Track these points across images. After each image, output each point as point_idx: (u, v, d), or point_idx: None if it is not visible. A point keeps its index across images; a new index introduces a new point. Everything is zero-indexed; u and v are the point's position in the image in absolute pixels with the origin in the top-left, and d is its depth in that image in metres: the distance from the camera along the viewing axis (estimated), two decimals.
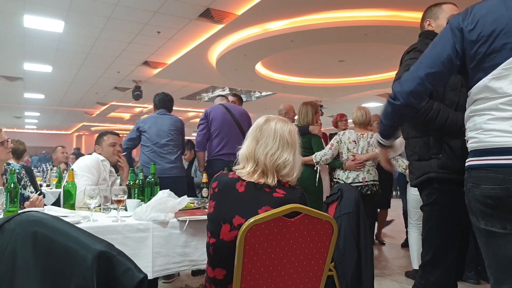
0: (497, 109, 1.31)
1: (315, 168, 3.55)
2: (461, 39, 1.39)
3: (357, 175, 3.35)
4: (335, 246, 1.39)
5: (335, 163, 3.50)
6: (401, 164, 3.25)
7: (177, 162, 3.49)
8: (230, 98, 4.08)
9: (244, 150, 1.48)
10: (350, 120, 4.18)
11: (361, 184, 3.32)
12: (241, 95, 4.72)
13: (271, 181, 1.41)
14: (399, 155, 3.26)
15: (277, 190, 1.39)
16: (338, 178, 3.47)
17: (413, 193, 3.31)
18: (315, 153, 3.52)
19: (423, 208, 1.86)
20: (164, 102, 3.67)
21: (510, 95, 1.28)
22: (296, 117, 4.12)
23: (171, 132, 3.49)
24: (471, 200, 1.38)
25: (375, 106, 12.57)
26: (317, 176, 3.54)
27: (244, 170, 1.45)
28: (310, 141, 3.59)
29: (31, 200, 2.15)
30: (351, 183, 3.34)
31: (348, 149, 3.41)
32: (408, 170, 1.94)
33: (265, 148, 1.43)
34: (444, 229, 1.74)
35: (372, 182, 3.35)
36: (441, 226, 1.77)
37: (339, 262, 2.07)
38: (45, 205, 2.20)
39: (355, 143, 3.41)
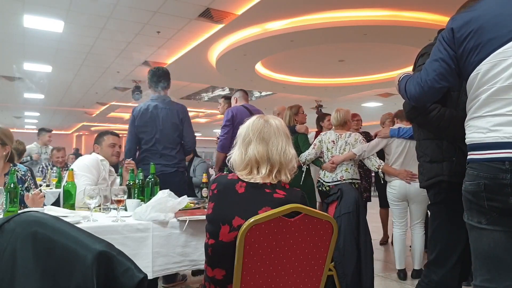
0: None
1: (302, 169, 3.74)
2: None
3: (335, 174, 3.56)
4: (335, 246, 1.39)
5: (316, 162, 3.72)
6: (374, 164, 3.44)
7: None
8: (239, 94, 3.97)
9: (251, 155, 1.44)
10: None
11: (339, 182, 3.47)
12: None
13: (285, 178, 1.43)
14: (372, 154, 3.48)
15: (278, 191, 1.39)
16: (319, 177, 3.70)
17: (389, 191, 3.44)
18: (301, 155, 3.71)
19: (430, 207, 1.86)
20: None
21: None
22: None
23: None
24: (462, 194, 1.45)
25: (375, 105, 12.58)
26: (303, 176, 3.77)
27: (258, 176, 1.42)
28: (296, 140, 3.77)
29: (33, 193, 2.07)
30: (329, 181, 3.55)
31: (327, 148, 3.64)
32: (418, 172, 1.94)
33: (277, 147, 1.44)
34: (450, 228, 1.74)
35: (350, 181, 3.51)
36: (447, 226, 1.76)
37: (339, 262, 2.07)
38: (44, 205, 2.19)
39: (334, 143, 3.63)
